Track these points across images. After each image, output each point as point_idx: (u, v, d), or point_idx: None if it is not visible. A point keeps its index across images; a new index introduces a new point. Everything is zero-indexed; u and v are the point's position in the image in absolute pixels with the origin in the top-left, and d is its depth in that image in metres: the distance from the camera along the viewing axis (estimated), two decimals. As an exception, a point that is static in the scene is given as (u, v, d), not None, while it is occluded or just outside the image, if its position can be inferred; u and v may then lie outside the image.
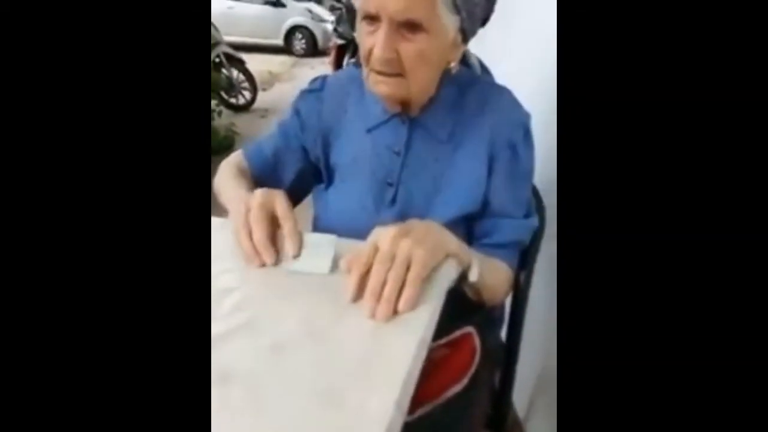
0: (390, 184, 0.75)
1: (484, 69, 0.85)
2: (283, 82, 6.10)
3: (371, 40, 0.64)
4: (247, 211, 0.59)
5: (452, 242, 0.60)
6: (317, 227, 0.83)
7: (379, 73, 0.65)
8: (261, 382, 0.42)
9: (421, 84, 0.68)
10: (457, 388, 0.71)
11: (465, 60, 0.81)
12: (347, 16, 3.70)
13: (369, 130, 0.76)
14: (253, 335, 0.47)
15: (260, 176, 0.81)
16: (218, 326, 0.48)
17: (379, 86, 0.67)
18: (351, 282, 0.52)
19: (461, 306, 0.68)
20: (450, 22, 0.63)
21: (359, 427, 0.38)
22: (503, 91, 0.76)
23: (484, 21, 0.70)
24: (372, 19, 0.63)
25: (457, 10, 0.62)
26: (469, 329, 0.74)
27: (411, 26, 0.61)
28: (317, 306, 0.51)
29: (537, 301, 0.88)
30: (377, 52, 0.62)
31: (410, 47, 0.62)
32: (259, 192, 0.61)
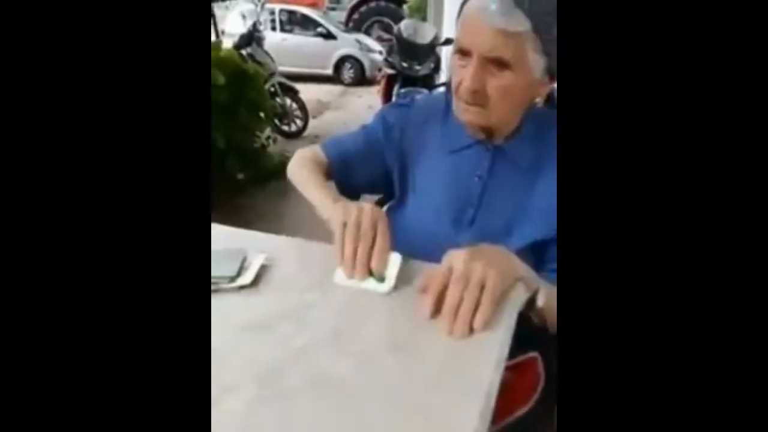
0: (471, 206, 0.78)
1: None
2: (332, 110, 6.29)
3: (462, 72, 0.70)
4: (356, 224, 0.62)
5: (521, 267, 0.62)
6: (395, 240, 0.86)
7: (466, 102, 0.71)
8: (349, 391, 0.45)
9: (501, 115, 0.73)
10: (522, 411, 0.72)
11: (552, 97, 0.85)
12: (398, 47, 3.80)
13: (452, 152, 0.81)
14: (339, 345, 0.51)
15: (335, 167, 0.87)
16: (304, 337, 0.52)
17: (464, 114, 0.73)
18: (428, 300, 0.55)
19: (526, 330, 0.69)
20: (536, 63, 0.67)
21: (445, 435, 0.40)
22: None
23: None
24: (464, 53, 0.69)
25: (545, 52, 0.66)
26: (534, 354, 0.75)
27: (498, 63, 0.67)
28: (396, 322, 0.54)
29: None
30: (466, 84, 0.69)
31: (496, 82, 0.68)
32: (368, 209, 0.64)
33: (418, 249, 0.69)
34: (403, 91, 3.73)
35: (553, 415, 0.83)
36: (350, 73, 8.46)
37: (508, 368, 0.73)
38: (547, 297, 0.65)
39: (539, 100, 0.75)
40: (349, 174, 0.89)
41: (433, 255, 0.61)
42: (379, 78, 4.51)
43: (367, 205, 0.66)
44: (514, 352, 0.73)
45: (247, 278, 0.62)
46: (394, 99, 3.77)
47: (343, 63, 8.45)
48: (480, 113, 0.71)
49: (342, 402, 0.44)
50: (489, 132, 0.76)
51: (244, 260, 0.66)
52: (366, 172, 0.88)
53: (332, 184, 0.88)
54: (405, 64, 3.81)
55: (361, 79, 8.31)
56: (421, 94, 0.92)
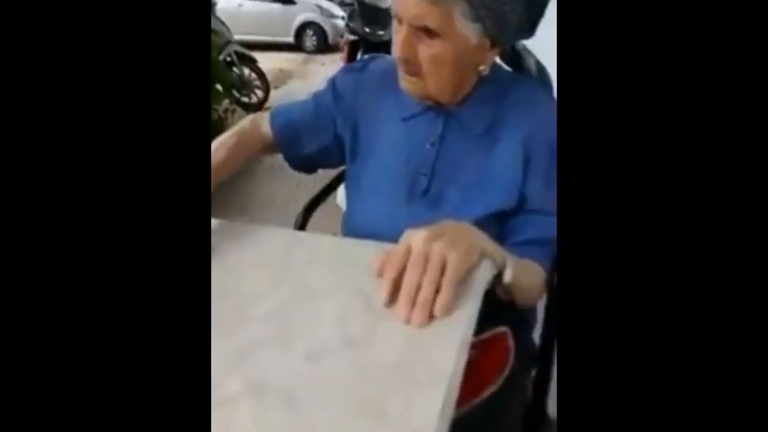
0: (424, 175, 0.74)
1: (541, 70, 0.84)
2: (294, 79, 6.11)
3: (397, 39, 0.67)
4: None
5: (486, 243, 0.58)
6: (350, 211, 0.83)
7: (402, 70, 0.69)
8: (296, 393, 0.41)
9: (438, 85, 0.69)
10: (491, 390, 0.69)
11: (520, 62, 0.82)
12: (359, 12, 3.68)
13: (404, 119, 0.77)
14: (287, 343, 0.46)
15: (280, 138, 0.83)
16: (249, 334, 0.47)
17: (403, 83, 0.71)
18: (384, 286, 0.50)
19: (494, 305, 0.66)
20: (470, 30, 0.64)
21: (403, 440, 0.37)
22: (545, 91, 0.76)
23: (532, 26, 0.69)
24: (399, 20, 0.66)
25: (478, 18, 0.62)
26: (503, 329, 0.73)
27: (427, 31, 0.64)
28: (349, 313, 0.50)
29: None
30: (394, 51, 0.67)
31: (426, 50, 0.65)
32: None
33: (372, 221, 0.64)
34: (366, 57, 3.62)
35: (525, 390, 0.82)
36: (312, 40, 8.23)
37: (475, 346, 0.70)
38: (514, 272, 0.61)
39: (483, 68, 0.70)
40: (297, 144, 0.84)
41: (387, 227, 0.57)
42: (342, 45, 4.38)
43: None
44: (482, 327, 0.71)
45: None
46: (356, 66, 3.66)
47: (304, 30, 8.20)
48: (416, 82, 0.69)
49: (287, 408, 0.40)
50: (434, 100, 0.72)
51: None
52: (316, 140, 0.83)
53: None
54: (367, 30, 3.70)
55: (324, 47, 8.11)
56: (374, 59, 0.85)
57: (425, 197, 0.74)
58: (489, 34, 0.65)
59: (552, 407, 0.88)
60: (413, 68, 0.67)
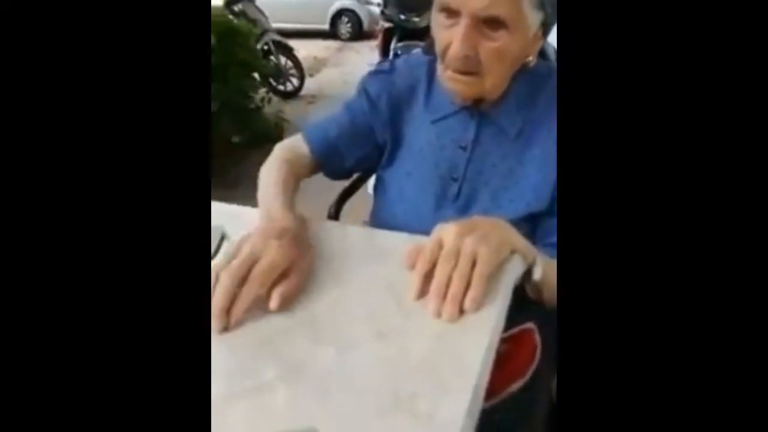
0: (455, 180, 0.72)
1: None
2: (329, 67, 6.12)
3: (448, 34, 0.61)
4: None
5: (517, 239, 0.57)
6: (377, 215, 0.82)
7: (456, 70, 0.63)
8: (327, 384, 0.42)
9: (496, 82, 0.65)
10: (518, 385, 0.69)
11: (541, 50, 0.77)
12: (394, -1, 3.64)
13: (434, 121, 0.74)
14: (317, 333, 0.47)
15: (321, 158, 0.78)
16: (279, 323, 0.48)
17: (453, 83, 0.65)
18: (415, 280, 0.51)
19: (522, 301, 0.66)
20: (534, 18, 0.60)
21: (430, 435, 0.37)
22: None
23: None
24: (451, 12, 0.60)
25: (542, 4, 0.59)
26: (530, 325, 0.72)
27: (493, 23, 0.58)
28: (380, 305, 0.50)
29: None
30: (456, 50, 0.60)
31: (491, 45, 0.60)
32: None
33: (406, 226, 0.64)
34: (401, 44, 3.59)
35: (550, 390, 0.81)
36: (347, 27, 8.20)
37: (504, 340, 0.70)
38: (544, 270, 0.60)
39: (531, 58, 0.66)
40: (338, 161, 0.79)
41: (421, 232, 0.56)
42: (377, 32, 4.35)
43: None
44: (510, 323, 0.70)
45: (221, 259, 0.58)
46: (391, 54, 3.64)
47: (339, 17, 8.18)
48: (473, 82, 0.63)
49: (319, 395, 0.41)
50: (478, 100, 0.69)
51: (221, 239, 0.62)
52: (357, 153, 0.79)
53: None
54: (402, 17, 3.66)
55: (359, 34, 8.07)
56: (401, 59, 0.83)
57: (456, 202, 0.72)
58: (546, 21, 0.62)
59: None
60: (472, 66, 0.61)
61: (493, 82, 0.64)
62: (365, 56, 6.24)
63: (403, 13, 3.65)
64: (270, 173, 0.71)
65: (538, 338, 0.72)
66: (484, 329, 0.46)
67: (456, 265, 0.50)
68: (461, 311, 0.48)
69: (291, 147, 0.79)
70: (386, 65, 0.81)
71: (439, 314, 0.48)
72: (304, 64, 4.69)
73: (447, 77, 0.65)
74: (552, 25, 0.64)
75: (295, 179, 0.72)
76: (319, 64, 6.21)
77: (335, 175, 0.84)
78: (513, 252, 0.56)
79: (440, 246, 0.52)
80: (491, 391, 0.65)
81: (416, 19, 3.62)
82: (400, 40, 3.67)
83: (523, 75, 0.69)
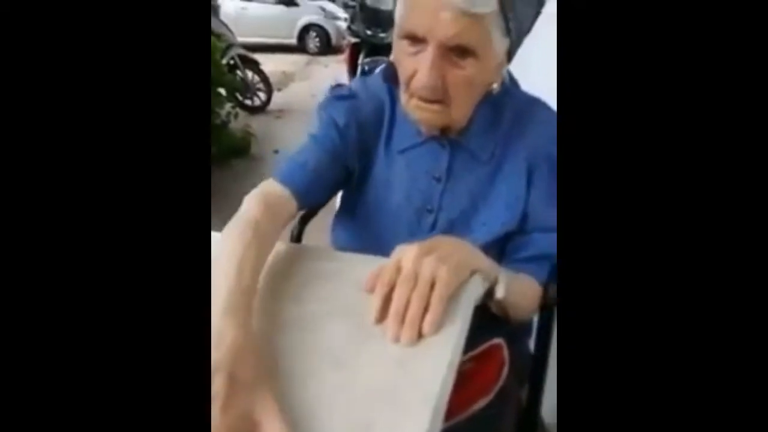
0: (429, 211, 0.71)
1: (512, 80, 0.82)
2: (297, 81, 6.11)
3: (413, 62, 0.59)
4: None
5: (478, 258, 0.57)
6: (340, 238, 0.78)
7: (422, 99, 0.61)
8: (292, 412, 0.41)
9: (463, 111, 0.64)
10: (484, 402, 0.69)
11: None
12: (361, 15, 3.67)
13: (402, 152, 0.72)
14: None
15: (302, 196, 0.69)
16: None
17: (420, 112, 0.63)
18: (374, 303, 0.50)
19: (489, 317, 0.66)
20: (501, 46, 0.59)
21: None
22: (537, 104, 0.72)
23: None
24: (416, 40, 0.58)
25: (508, 32, 0.58)
26: (498, 340, 0.72)
27: (462, 52, 0.57)
28: (341, 331, 0.50)
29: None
30: (422, 80, 0.58)
31: (458, 74, 0.58)
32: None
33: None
34: (367, 60, 3.62)
35: (519, 400, 0.81)
36: (315, 42, 8.24)
37: (471, 358, 0.70)
38: (508, 287, 0.61)
39: (496, 86, 0.66)
40: (320, 194, 0.73)
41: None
42: (344, 46, 4.38)
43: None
44: (477, 339, 0.70)
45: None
46: (359, 69, 3.66)
47: (307, 32, 8.21)
48: (440, 111, 0.61)
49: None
50: (444, 129, 0.67)
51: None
52: (331, 185, 0.74)
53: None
54: (369, 32, 3.70)
55: (327, 48, 8.11)
56: (357, 81, 0.80)
57: (432, 232, 0.70)
58: (511, 49, 0.61)
59: (545, 415, 0.87)
60: (439, 95, 0.59)
61: (460, 111, 0.63)
62: (333, 70, 6.27)
63: (370, 29, 3.69)
64: (233, 249, 0.54)
65: (506, 354, 0.72)
66: (444, 351, 0.46)
67: (415, 287, 0.50)
68: (420, 334, 0.48)
69: (262, 196, 0.66)
70: (345, 90, 0.76)
71: (397, 339, 0.47)
72: (272, 79, 4.68)
73: (413, 106, 0.63)
74: (515, 51, 0.64)
75: (265, 244, 0.59)
76: (287, 78, 6.20)
77: (314, 208, 0.82)
78: (474, 272, 0.56)
79: (399, 268, 0.52)
80: (454, 410, 0.65)
81: (382, 35, 3.67)
82: (367, 55, 3.70)
83: (485, 100, 0.68)
